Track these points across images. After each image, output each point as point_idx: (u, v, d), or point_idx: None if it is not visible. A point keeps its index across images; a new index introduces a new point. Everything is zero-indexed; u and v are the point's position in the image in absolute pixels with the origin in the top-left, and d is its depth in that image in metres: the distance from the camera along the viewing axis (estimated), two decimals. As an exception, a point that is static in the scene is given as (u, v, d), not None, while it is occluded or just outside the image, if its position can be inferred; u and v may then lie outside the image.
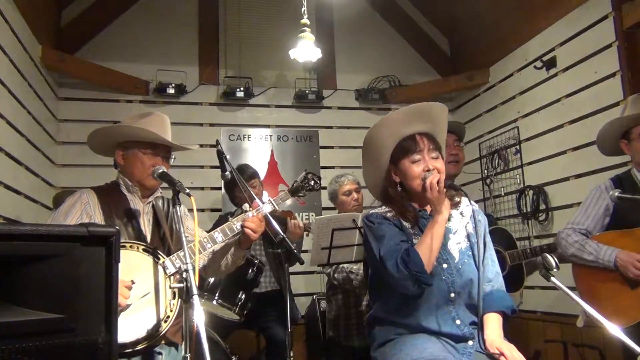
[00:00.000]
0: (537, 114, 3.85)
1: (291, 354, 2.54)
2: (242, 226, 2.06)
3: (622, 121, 2.49)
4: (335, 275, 3.16)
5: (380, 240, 1.86)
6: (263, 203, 2.19)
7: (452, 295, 1.84)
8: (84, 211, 2.00)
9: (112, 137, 2.15)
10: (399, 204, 1.95)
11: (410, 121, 1.90)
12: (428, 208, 1.95)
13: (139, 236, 2.03)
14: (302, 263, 2.72)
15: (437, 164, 1.88)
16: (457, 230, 1.94)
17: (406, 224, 1.93)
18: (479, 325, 1.84)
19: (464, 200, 2.02)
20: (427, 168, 1.86)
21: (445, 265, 1.87)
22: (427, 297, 1.82)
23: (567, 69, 3.56)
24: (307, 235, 3.47)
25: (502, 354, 1.74)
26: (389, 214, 1.95)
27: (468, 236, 1.95)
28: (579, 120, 3.45)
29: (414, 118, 1.90)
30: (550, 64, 3.69)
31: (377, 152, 1.96)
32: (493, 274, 1.96)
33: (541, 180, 3.77)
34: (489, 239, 2.01)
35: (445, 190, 1.83)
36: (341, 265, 3.11)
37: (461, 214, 1.98)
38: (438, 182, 1.79)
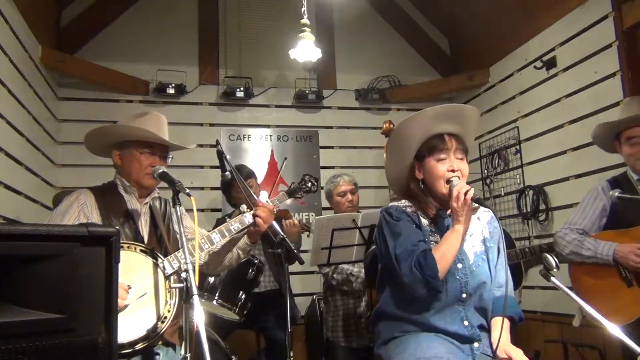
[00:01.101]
0: (537, 114, 3.85)
1: (291, 354, 2.54)
2: (253, 215, 2.09)
3: (612, 125, 2.52)
4: (334, 275, 3.16)
5: (397, 237, 1.85)
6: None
7: (464, 295, 1.85)
8: (81, 211, 2.00)
9: (108, 137, 2.14)
10: (421, 199, 1.94)
11: (441, 120, 1.89)
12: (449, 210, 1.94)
13: (136, 237, 2.03)
14: (302, 263, 2.73)
15: (462, 166, 1.88)
16: (473, 234, 1.94)
17: (425, 221, 1.93)
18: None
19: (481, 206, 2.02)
20: (451, 168, 1.85)
21: (460, 265, 1.87)
22: (439, 295, 1.82)
23: (567, 69, 3.57)
24: (305, 234, 3.46)
25: (510, 357, 1.75)
26: (409, 209, 1.94)
27: (484, 240, 1.95)
28: (579, 120, 3.45)
29: (445, 118, 1.89)
30: (550, 64, 3.69)
31: (403, 146, 1.95)
32: (504, 280, 1.95)
33: (541, 180, 3.78)
34: (503, 246, 2.01)
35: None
36: (340, 266, 3.11)
37: (478, 218, 1.98)
38: (466, 194, 1.75)
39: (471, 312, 1.86)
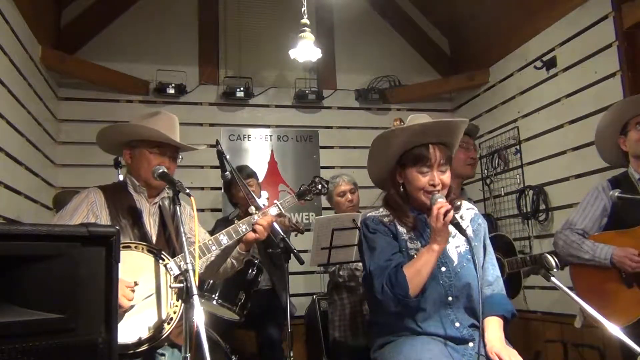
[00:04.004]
0: (537, 114, 3.85)
1: (291, 354, 2.54)
2: (254, 224, 2.08)
3: (619, 111, 2.48)
4: (340, 272, 3.17)
5: (372, 252, 1.87)
6: (264, 205, 2.20)
7: (450, 298, 1.84)
8: (91, 211, 1.99)
9: (120, 135, 2.14)
10: (398, 208, 1.94)
11: (429, 134, 1.87)
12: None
13: (144, 237, 2.03)
14: (302, 263, 2.73)
15: (444, 177, 1.87)
16: (457, 234, 1.93)
17: (402, 230, 1.93)
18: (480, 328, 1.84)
19: (465, 203, 2.02)
20: (432, 182, 1.85)
21: (443, 269, 1.86)
22: (425, 301, 1.82)
23: (567, 69, 3.56)
24: (296, 235, 3.47)
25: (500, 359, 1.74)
26: (385, 219, 1.94)
27: (468, 240, 1.94)
28: (579, 120, 3.45)
29: (434, 132, 1.87)
30: (550, 64, 3.69)
31: (386, 152, 1.94)
32: (493, 278, 1.96)
33: (541, 180, 3.77)
34: (489, 242, 2.01)
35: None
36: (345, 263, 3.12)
37: (461, 217, 1.97)
38: (446, 214, 1.74)
39: (461, 313, 1.85)
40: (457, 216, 1.93)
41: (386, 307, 1.79)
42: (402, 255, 1.87)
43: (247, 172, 3.50)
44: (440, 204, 1.77)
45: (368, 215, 1.99)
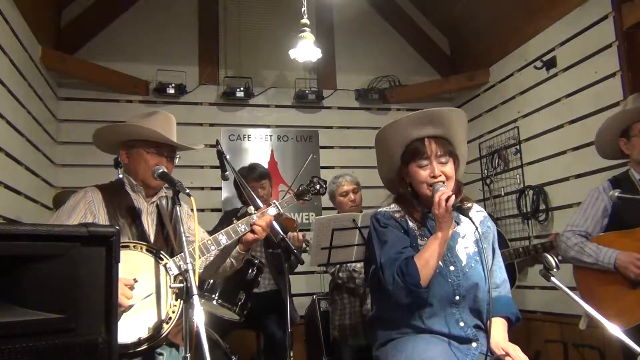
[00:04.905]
0: (537, 114, 3.85)
1: (291, 354, 2.54)
2: (252, 224, 2.07)
3: (624, 115, 2.50)
4: (339, 274, 3.18)
5: (383, 245, 1.87)
6: (268, 206, 2.20)
7: (457, 297, 1.85)
8: (88, 210, 1.98)
9: (116, 135, 2.14)
10: (408, 204, 1.96)
11: (420, 125, 1.89)
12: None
13: (143, 236, 2.02)
14: (302, 263, 2.73)
15: (445, 169, 1.88)
16: (466, 235, 1.95)
17: (413, 225, 1.94)
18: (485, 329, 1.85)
19: (475, 206, 2.03)
20: (432, 174, 1.86)
21: (452, 268, 1.87)
22: (432, 298, 1.82)
23: (567, 69, 3.57)
24: (306, 250, 3.45)
25: (507, 354, 1.75)
26: (397, 214, 1.96)
27: (476, 241, 1.95)
28: (579, 120, 3.45)
29: (424, 122, 1.89)
30: (550, 64, 3.69)
31: (387, 152, 1.98)
32: (500, 281, 1.99)
33: (541, 180, 3.78)
34: (497, 246, 2.03)
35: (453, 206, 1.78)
36: (344, 264, 3.12)
37: (470, 219, 1.98)
38: (447, 200, 1.75)
39: (466, 313, 1.86)
40: (466, 218, 1.93)
41: (396, 299, 1.80)
42: (412, 249, 1.87)
43: (258, 173, 3.42)
44: (442, 191, 1.79)
45: (379, 210, 2.00)
